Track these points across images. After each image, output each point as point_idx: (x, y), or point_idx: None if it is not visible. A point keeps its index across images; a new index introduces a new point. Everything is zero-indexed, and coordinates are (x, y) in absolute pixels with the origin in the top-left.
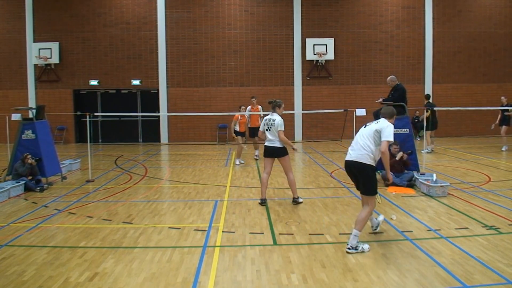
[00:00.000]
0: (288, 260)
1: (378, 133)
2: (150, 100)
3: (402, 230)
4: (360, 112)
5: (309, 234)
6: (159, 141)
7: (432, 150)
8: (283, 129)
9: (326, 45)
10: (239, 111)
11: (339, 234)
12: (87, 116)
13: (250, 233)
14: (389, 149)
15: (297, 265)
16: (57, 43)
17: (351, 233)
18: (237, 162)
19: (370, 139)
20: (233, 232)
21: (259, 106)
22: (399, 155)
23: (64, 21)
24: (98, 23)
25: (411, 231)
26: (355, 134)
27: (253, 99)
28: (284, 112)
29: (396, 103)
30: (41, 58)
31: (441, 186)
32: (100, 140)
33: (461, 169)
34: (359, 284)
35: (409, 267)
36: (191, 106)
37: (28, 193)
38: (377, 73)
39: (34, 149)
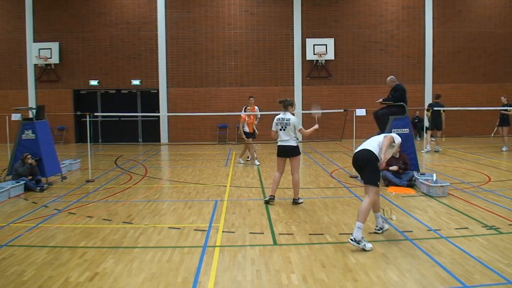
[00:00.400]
0: (288, 260)
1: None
2: (150, 100)
3: (402, 230)
4: (360, 112)
5: (309, 234)
6: (159, 141)
7: (435, 151)
8: (301, 126)
9: (326, 45)
10: (245, 111)
11: (339, 234)
12: (87, 116)
13: (250, 233)
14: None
15: (297, 265)
16: (57, 43)
17: (351, 233)
18: (257, 163)
19: (378, 143)
20: (233, 232)
21: (256, 107)
22: (393, 168)
23: (64, 21)
24: (98, 23)
25: (411, 231)
26: (355, 134)
27: (251, 98)
28: None
29: (396, 103)
30: (41, 58)
31: (441, 186)
32: (100, 140)
33: (461, 169)
34: (359, 284)
35: (409, 267)
36: (191, 106)
37: (28, 193)
38: (377, 73)
39: (34, 149)
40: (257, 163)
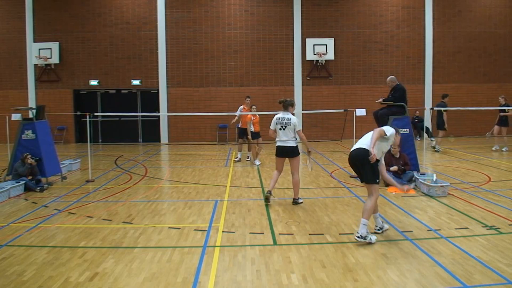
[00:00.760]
0: (288, 260)
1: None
2: (150, 100)
3: (402, 230)
4: (360, 112)
5: (309, 234)
6: (159, 141)
7: (436, 150)
8: (301, 128)
9: (326, 45)
10: (250, 111)
11: (339, 234)
12: (87, 116)
13: (250, 233)
14: (390, 150)
15: (297, 265)
16: (57, 43)
17: (351, 233)
18: (257, 163)
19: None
20: (233, 232)
21: (253, 106)
22: (393, 168)
23: (64, 21)
24: (98, 23)
25: (411, 231)
26: (355, 134)
27: (248, 99)
28: None
29: (396, 103)
30: (41, 58)
31: (441, 186)
32: (100, 140)
33: (461, 169)
34: (359, 284)
35: (409, 267)
36: (191, 106)
37: (28, 193)
38: (377, 73)
39: (34, 149)
40: (257, 163)
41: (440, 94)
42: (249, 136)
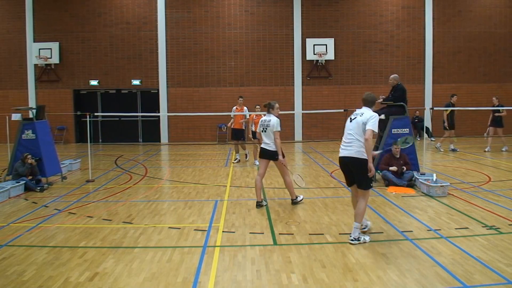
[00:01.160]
0: (288, 260)
1: (364, 125)
2: (150, 100)
3: (402, 230)
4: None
5: (309, 234)
6: (159, 141)
7: (438, 148)
8: (279, 129)
9: (326, 45)
10: (254, 111)
11: (339, 234)
12: (87, 116)
13: (250, 233)
14: (390, 150)
15: (297, 265)
16: (57, 43)
17: (351, 233)
18: (257, 163)
19: (359, 132)
20: (233, 232)
21: (245, 107)
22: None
23: (64, 21)
24: (98, 23)
25: (411, 231)
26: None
27: (240, 99)
28: (284, 112)
29: (396, 103)
30: (41, 58)
31: (441, 186)
32: (100, 140)
33: (461, 169)
34: (359, 284)
35: (409, 267)
36: (191, 106)
37: (28, 193)
38: (377, 73)
39: (34, 149)
40: (257, 163)
41: (440, 94)
42: (250, 135)
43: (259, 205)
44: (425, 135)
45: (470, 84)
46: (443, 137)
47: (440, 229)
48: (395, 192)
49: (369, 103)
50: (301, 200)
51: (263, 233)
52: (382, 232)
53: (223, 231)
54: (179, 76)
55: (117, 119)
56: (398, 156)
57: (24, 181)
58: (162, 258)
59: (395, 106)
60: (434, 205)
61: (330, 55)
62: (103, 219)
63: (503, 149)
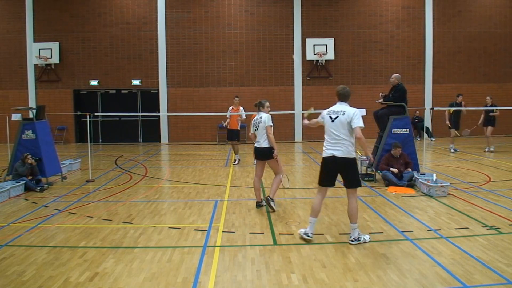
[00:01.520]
0: (288, 260)
1: (349, 124)
2: (150, 100)
3: (402, 230)
4: (360, 112)
5: None
6: (159, 141)
7: (450, 149)
8: (271, 124)
9: (326, 45)
10: (233, 102)
11: (339, 234)
12: (87, 116)
13: (250, 233)
14: (390, 150)
15: (297, 265)
16: (57, 43)
17: (350, 233)
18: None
19: (345, 131)
20: (233, 232)
21: (241, 108)
22: (394, 170)
23: (64, 21)
24: (98, 23)
25: (411, 231)
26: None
27: (236, 99)
28: (284, 112)
29: (396, 103)
30: (41, 58)
31: (441, 186)
32: (100, 140)
33: (462, 169)
34: (359, 284)
35: (409, 267)
36: (191, 106)
37: (28, 193)
38: (377, 73)
39: (34, 149)
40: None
41: (440, 94)
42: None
43: (259, 205)
44: (425, 135)
45: (470, 84)
46: (451, 137)
47: (440, 229)
48: (395, 192)
49: (345, 97)
50: (272, 206)
51: (263, 233)
52: (382, 232)
53: (223, 231)
54: (179, 76)
55: (117, 119)
56: (398, 156)
57: (24, 181)
58: (162, 258)
59: (395, 106)
60: (434, 205)
61: (330, 55)
62: (103, 219)
63: (487, 149)
